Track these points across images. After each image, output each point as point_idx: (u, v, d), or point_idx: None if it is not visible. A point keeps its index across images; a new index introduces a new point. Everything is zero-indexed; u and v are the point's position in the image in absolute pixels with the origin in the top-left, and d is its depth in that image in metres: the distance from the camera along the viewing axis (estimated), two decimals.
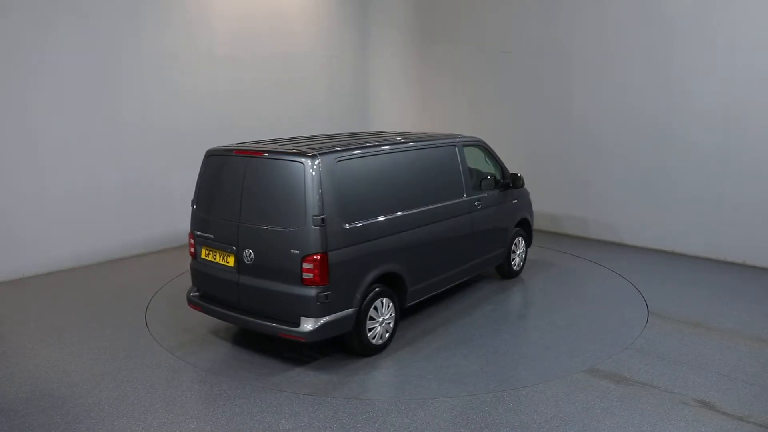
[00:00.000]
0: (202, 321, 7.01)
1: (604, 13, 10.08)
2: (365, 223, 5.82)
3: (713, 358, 6.05)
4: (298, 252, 5.42)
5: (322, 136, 6.93)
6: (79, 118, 8.86)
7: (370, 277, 5.86)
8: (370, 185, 5.96)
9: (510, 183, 8.05)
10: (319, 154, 5.55)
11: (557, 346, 6.41)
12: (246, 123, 10.53)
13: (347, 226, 5.63)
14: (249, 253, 5.76)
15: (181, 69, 9.91)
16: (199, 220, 6.26)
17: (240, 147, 6.17)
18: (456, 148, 7.32)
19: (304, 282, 5.44)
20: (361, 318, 5.81)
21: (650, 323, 6.93)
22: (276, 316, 5.69)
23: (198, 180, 6.35)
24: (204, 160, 6.31)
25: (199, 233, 6.25)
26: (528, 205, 8.62)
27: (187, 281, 7.05)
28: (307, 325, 5.46)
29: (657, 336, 6.57)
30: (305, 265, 5.40)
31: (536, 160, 11.15)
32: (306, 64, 11.72)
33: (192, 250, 6.37)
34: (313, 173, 5.42)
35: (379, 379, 5.71)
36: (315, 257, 5.37)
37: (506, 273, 8.38)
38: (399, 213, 6.24)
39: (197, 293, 6.44)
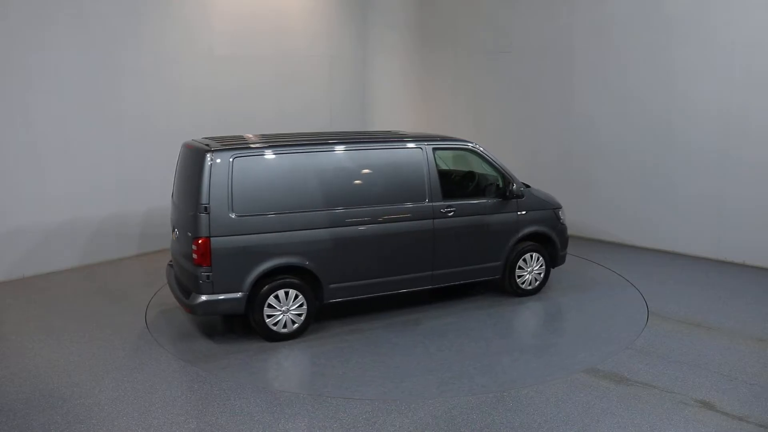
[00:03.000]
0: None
1: (604, 13, 10.08)
2: (259, 215, 6.23)
3: (713, 358, 6.05)
4: (190, 234, 6.18)
5: (268, 135, 7.28)
6: (78, 117, 8.85)
7: (264, 266, 6.25)
8: (274, 182, 6.35)
9: (506, 193, 7.43)
10: (215, 150, 6.16)
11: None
12: (246, 122, 10.51)
13: (233, 216, 6.12)
14: (176, 233, 6.74)
15: (181, 69, 9.91)
16: (171, 202, 7.23)
17: (190, 141, 6.90)
18: (423, 151, 7.04)
19: (194, 261, 6.12)
20: (256, 304, 6.27)
21: (650, 323, 6.93)
22: (185, 290, 6.50)
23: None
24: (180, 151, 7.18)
25: (171, 214, 7.23)
26: (548, 219, 7.75)
27: None
28: (195, 299, 6.20)
29: (657, 336, 6.57)
30: (193, 247, 6.10)
31: (536, 160, 11.14)
32: (306, 64, 11.72)
33: None
34: (208, 165, 6.08)
35: (249, 362, 6.01)
36: (199, 241, 6.05)
37: (512, 290, 7.68)
38: (312, 211, 6.44)
39: (171, 264, 7.34)
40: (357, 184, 6.70)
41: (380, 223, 6.74)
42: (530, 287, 7.76)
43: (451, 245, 7.14)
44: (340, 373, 5.80)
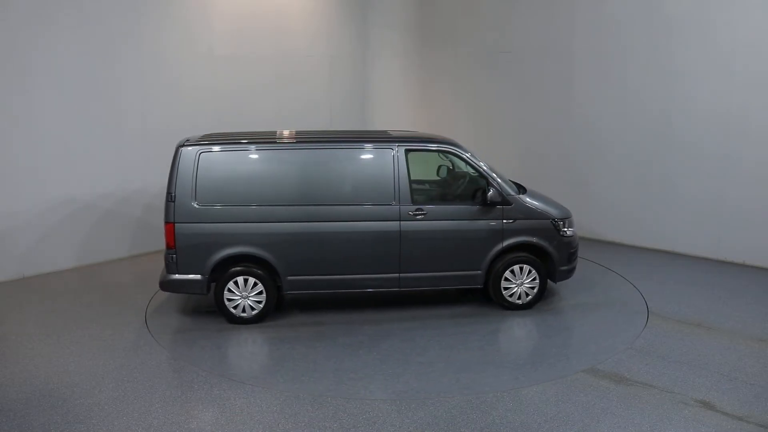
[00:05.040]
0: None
1: (604, 13, 10.08)
2: (219, 206, 6.74)
3: (713, 358, 6.05)
4: (163, 220, 6.79)
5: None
6: (78, 118, 8.85)
7: (223, 253, 6.75)
8: (237, 177, 6.80)
9: (486, 199, 6.99)
10: (186, 144, 6.82)
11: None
12: (245, 123, 10.51)
13: (196, 205, 6.68)
14: None
15: (181, 69, 9.91)
16: None
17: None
18: (393, 152, 6.97)
19: (165, 244, 6.79)
20: (218, 287, 6.83)
21: (650, 323, 6.93)
22: None
23: None
24: None
25: None
26: (543, 230, 7.16)
27: None
28: (164, 277, 6.91)
29: (657, 336, 6.57)
30: (165, 231, 6.74)
31: (536, 160, 11.14)
32: (306, 64, 11.72)
33: None
34: (177, 158, 6.74)
35: (195, 340, 6.52)
36: (166, 225, 6.72)
37: (498, 303, 7.28)
38: (272, 205, 6.77)
39: None
40: (319, 182, 6.86)
41: (342, 221, 6.85)
42: (520, 301, 7.28)
43: (420, 249, 6.99)
44: (262, 360, 6.24)
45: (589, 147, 10.55)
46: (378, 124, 12.84)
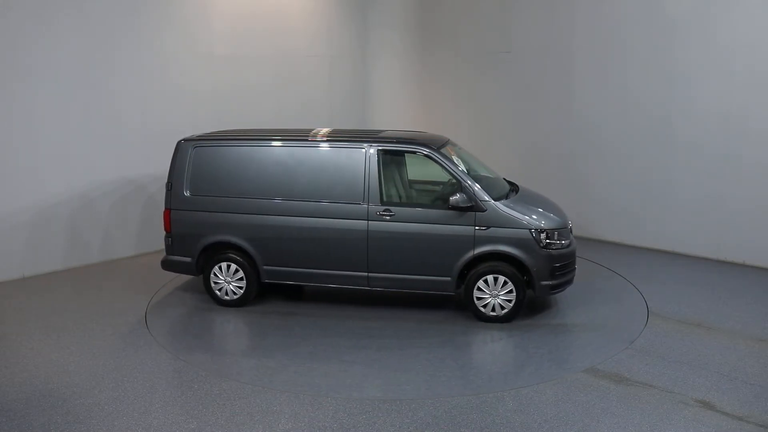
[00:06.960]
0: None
1: (604, 13, 10.08)
2: (206, 197, 7.33)
3: (713, 358, 6.05)
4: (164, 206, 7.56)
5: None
6: (78, 117, 8.85)
7: (208, 239, 7.34)
8: (223, 170, 7.33)
9: (449, 204, 6.73)
10: (185, 140, 7.53)
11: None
12: (245, 123, 10.51)
13: (187, 194, 7.35)
14: None
15: (180, 69, 9.91)
16: None
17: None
18: (365, 152, 7.01)
19: (164, 227, 7.57)
20: (206, 271, 7.43)
21: (650, 323, 6.93)
22: None
23: None
24: None
25: None
26: (519, 239, 6.67)
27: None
28: (163, 257, 7.66)
29: (657, 336, 6.57)
30: (163, 216, 7.56)
31: (536, 159, 11.14)
32: (306, 64, 11.71)
33: None
34: (176, 151, 7.49)
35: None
36: (165, 211, 7.47)
37: (474, 313, 6.94)
38: (250, 198, 7.24)
39: None
40: (294, 179, 7.16)
41: (313, 217, 7.07)
42: (494, 313, 6.88)
43: (387, 250, 6.95)
44: (212, 342, 6.67)
45: (589, 147, 10.55)
46: (378, 124, 12.84)
